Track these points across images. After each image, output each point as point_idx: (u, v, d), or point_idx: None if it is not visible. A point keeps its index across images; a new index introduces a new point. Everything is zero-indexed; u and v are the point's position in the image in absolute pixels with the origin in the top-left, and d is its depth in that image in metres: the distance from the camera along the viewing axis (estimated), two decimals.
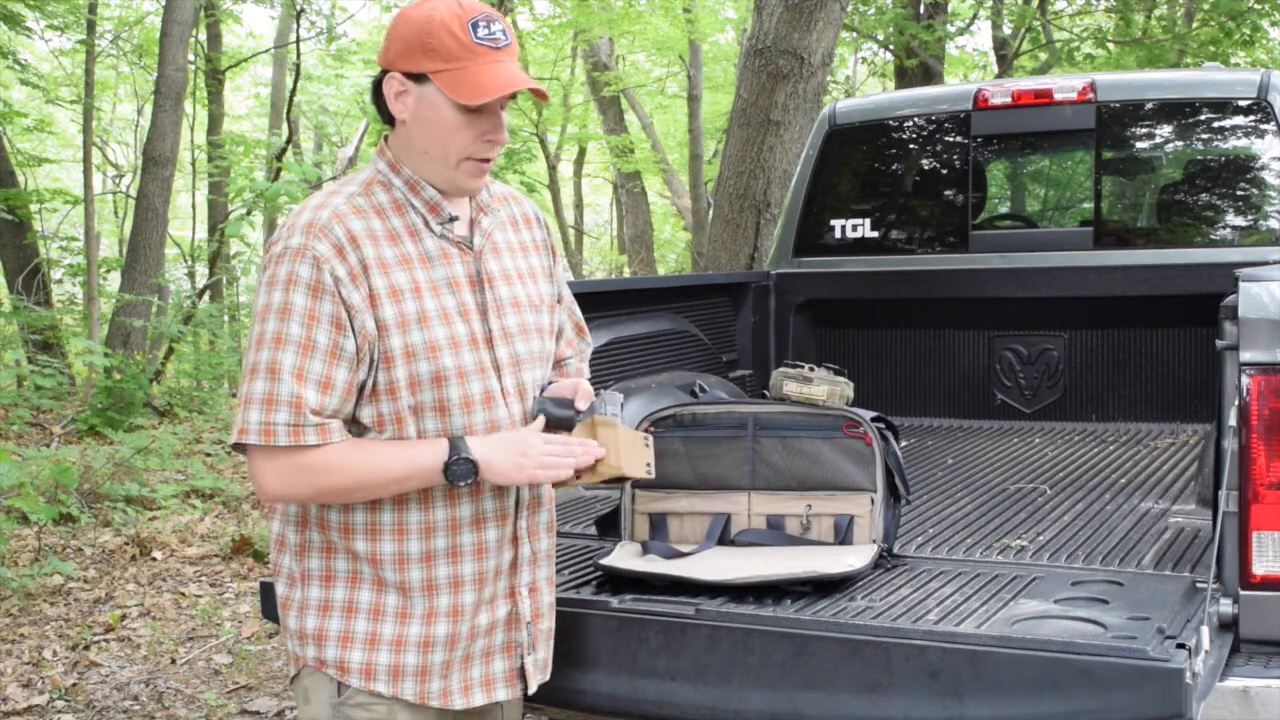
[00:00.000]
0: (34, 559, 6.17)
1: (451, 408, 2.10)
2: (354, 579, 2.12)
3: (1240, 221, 4.64)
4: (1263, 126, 4.48)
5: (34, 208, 12.23)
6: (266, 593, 2.77)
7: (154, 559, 6.43)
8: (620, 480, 2.22)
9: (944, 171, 5.03)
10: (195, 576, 6.21)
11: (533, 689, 2.25)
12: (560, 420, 2.19)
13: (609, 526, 2.95)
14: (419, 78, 2.08)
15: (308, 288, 2.02)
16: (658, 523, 2.87)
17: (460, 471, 2.06)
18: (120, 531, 6.75)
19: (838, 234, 4.99)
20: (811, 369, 2.89)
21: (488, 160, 2.15)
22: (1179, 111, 4.69)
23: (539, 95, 2.13)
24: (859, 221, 4.98)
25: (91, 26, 12.56)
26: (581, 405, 2.20)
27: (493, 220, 2.25)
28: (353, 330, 2.04)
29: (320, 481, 2.03)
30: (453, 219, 2.17)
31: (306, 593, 2.13)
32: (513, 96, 2.12)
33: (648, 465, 2.24)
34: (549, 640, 2.30)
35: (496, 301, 2.18)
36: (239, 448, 2.05)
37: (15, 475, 5.83)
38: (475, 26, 2.07)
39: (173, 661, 5.05)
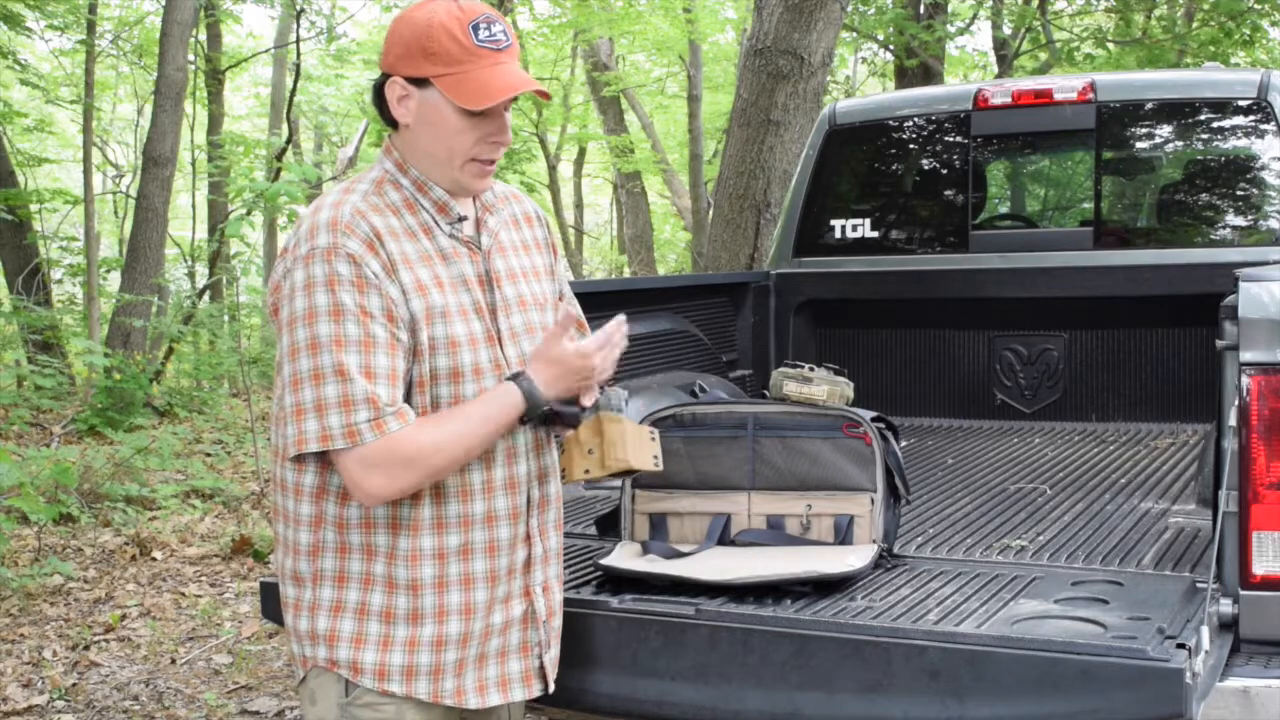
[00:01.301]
0: (34, 559, 6.17)
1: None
2: (367, 581, 2.11)
3: (1240, 221, 4.64)
4: (1263, 126, 4.48)
5: (34, 208, 12.21)
6: (267, 593, 2.77)
7: (154, 559, 6.43)
8: (629, 473, 2.24)
9: (944, 171, 5.03)
10: (195, 576, 6.21)
11: (552, 688, 2.25)
12: (566, 417, 2.21)
13: (609, 526, 2.95)
14: (421, 82, 2.08)
15: (352, 285, 2.00)
16: (658, 523, 2.87)
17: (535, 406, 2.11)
18: (120, 531, 6.75)
19: (838, 234, 4.99)
20: (811, 369, 2.89)
21: (492, 161, 2.15)
22: (1179, 111, 4.69)
23: (541, 95, 2.12)
24: (859, 221, 4.98)
25: (91, 26, 12.55)
26: (587, 402, 2.22)
27: (498, 220, 2.26)
28: (399, 320, 2.04)
29: (430, 464, 2.03)
30: (461, 219, 2.17)
31: (319, 593, 2.12)
32: (515, 98, 2.12)
33: (655, 457, 2.26)
34: (559, 638, 2.31)
35: (504, 301, 2.19)
36: (299, 458, 2.04)
37: (15, 475, 5.83)
38: (476, 29, 2.06)
39: (173, 661, 5.05)
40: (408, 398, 2.07)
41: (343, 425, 1.98)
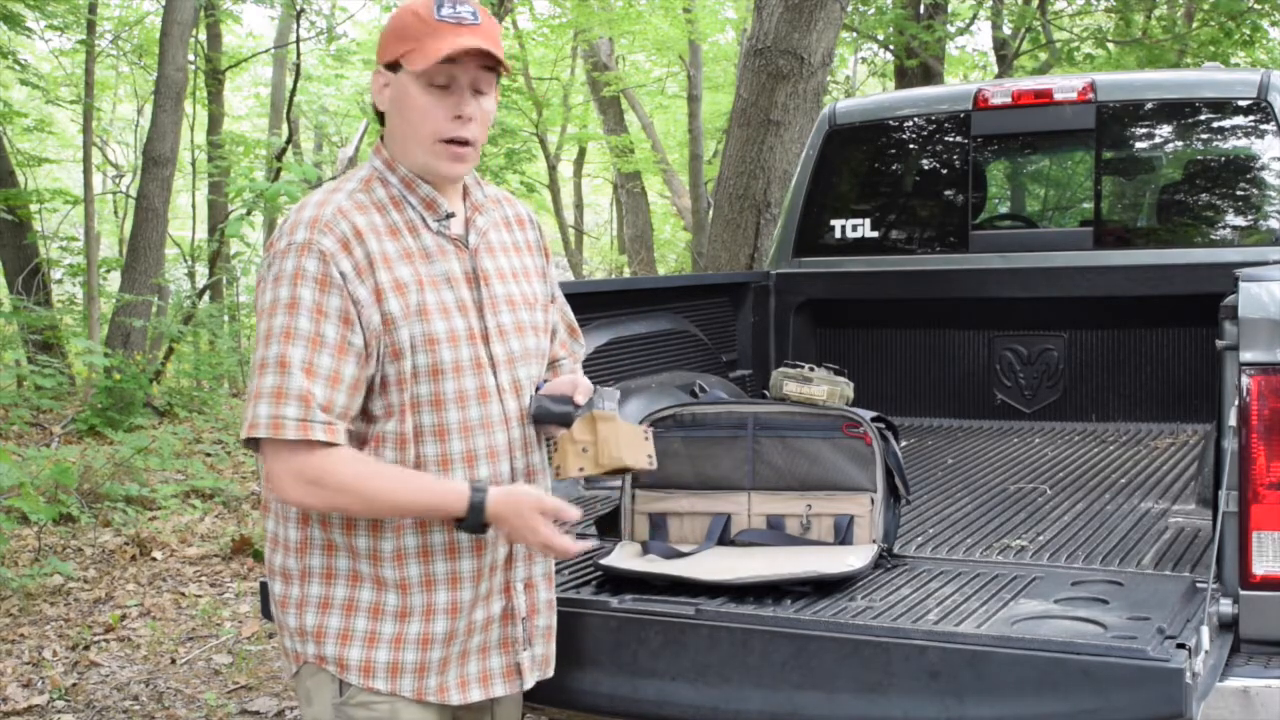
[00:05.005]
0: (34, 559, 6.17)
1: (447, 402, 2.11)
2: (354, 578, 2.12)
3: (1240, 221, 4.64)
4: (1263, 126, 4.48)
5: (34, 208, 12.22)
6: (266, 593, 2.77)
7: (154, 559, 6.43)
8: (623, 471, 2.25)
9: (944, 171, 5.03)
10: (195, 576, 6.21)
11: (528, 684, 2.25)
12: (558, 416, 2.21)
13: (609, 526, 2.95)
14: (394, 66, 2.12)
15: (315, 281, 2.03)
16: (658, 523, 2.87)
17: (473, 524, 2.07)
18: (120, 531, 6.75)
19: (838, 234, 4.99)
20: (811, 369, 2.89)
21: (464, 143, 2.13)
22: (1179, 111, 4.69)
23: (498, 65, 2.11)
24: (859, 221, 4.98)
25: (91, 26, 12.55)
26: (580, 400, 2.23)
27: (487, 220, 2.27)
28: (360, 325, 2.04)
29: (333, 500, 2.04)
30: (449, 216, 2.18)
31: (307, 590, 2.14)
32: (497, 75, 2.12)
33: (649, 456, 2.26)
34: (547, 637, 2.30)
35: (492, 299, 2.19)
36: (250, 444, 2.05)
37: (15, 475, 5.83)
38: (440, 5, 2.10)
39: (173, 661, 5.05)
40: (390, 396, 2.08)
41: (270, 415, 1.99)
